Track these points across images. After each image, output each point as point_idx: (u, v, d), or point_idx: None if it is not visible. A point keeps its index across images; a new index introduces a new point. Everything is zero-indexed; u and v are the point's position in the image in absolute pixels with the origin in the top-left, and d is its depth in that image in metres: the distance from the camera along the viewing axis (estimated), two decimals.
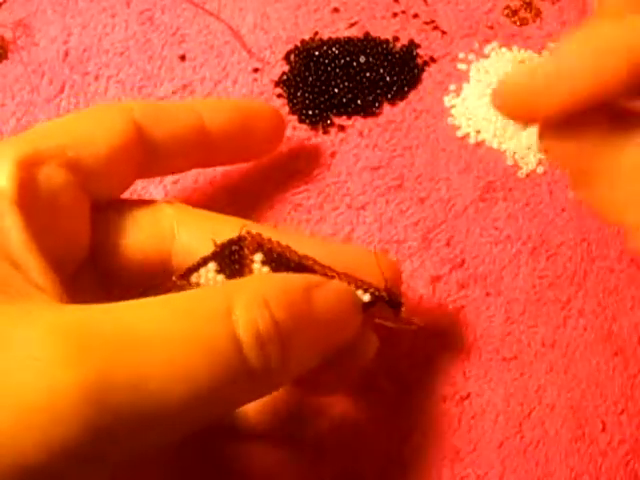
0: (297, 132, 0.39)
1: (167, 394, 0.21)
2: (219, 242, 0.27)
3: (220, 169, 0.38)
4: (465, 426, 0.32)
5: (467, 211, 0.37)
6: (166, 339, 0.21)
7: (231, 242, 0.27)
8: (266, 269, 0.27)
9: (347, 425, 0.32)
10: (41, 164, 0.26)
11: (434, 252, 0.36)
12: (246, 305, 0.23)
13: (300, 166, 0.38)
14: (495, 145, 0.39)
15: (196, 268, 0.27)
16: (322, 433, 0.32)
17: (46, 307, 0.22)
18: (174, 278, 0.27)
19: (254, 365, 0.22)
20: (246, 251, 0.27)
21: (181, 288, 0.27)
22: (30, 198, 0.25)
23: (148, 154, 0.30)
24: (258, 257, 0.27)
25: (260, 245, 0.27)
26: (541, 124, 0.24)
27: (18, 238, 0.24)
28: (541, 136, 0.24)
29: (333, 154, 0.39)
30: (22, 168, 0.25)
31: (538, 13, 0.43)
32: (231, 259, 0.27)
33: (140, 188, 0.38)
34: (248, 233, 0.27)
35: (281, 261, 0.27)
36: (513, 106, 0.23)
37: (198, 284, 0.27)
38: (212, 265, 0.27)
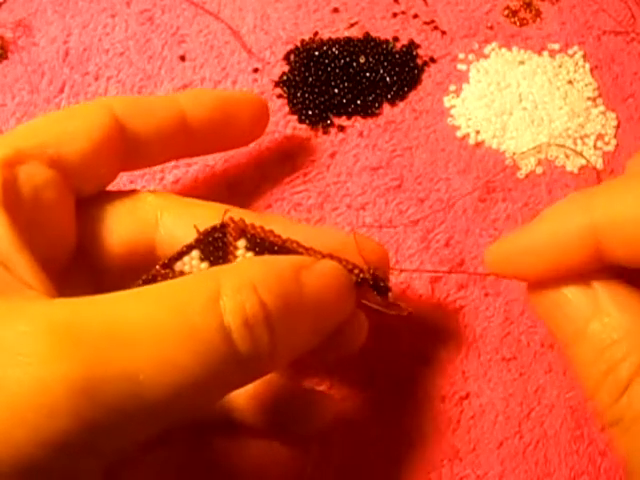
0: (297, 132, 0.39)
1: (156, 385, 0.21)
2: (202, 229, 0.27)
3: (220, 168, 0.38)
4: (464, 426, 0.32)
5: (466, 211, 0.37)
6: (154, 329, 0.21)
7: (214, 229, 0.27)
8: (250, 254, 0.26)
9: (347, 425, 0.32)
10: (22, 163, 0.26)
11: (433, 252, 0.36)
12: (233, 289, 0.23)
13: (300, 166, 0.38)
14: (494, 145, 0.39)
15: (180, 256, 0.27)
16: (322, 433, 0.32)
17: (33, 302, 0.22)
18: (157, 267, 0.26)
19: (243, 350, 0.22)
20: (229, 237, 0.26)
21: (166, 277, 0.26)
22: (14, 197, 0.25)
23: (130, 147, 0.30)
24: (242, 243, 0.26)
25: (243, 231, 0.27)
26: (528, 284, 0.27)
27: (4, 237, 0.24)
28: (529, 290, 0.27)
29: (333, 154, 0.39)
30: (4, 169, 0.26)
31: (538, 13, 0.43)
32: (215, 246, 0.26)
33: (140, 187, 0.38)
34: (231, 219, 0.27)
35: (265, 246, 0.26)
36: (503, 268, 0.26)
37: (182, 272, 0.27)
38: (196, 253, 0.27)
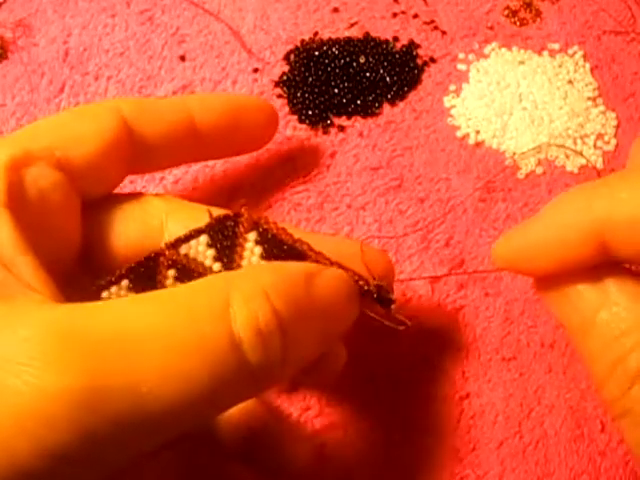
0: (297, 132, 0.39)
1: (161, 397, 0.20)
2: (215, 215, 0.26)
3: (220, 168, 0.38)
4: (464, 426, 0.32)
5: (466, 211, 0.37)
6: (160, 338, 0.21)
7: (227, 217, 0.26)
8: (258, 249, 0.26)
9: (346, 425, 0.32)
10: (29, 165, 0.26)
11: (433, 252, 0.36)
12: (245, 297, 0.22)
13: (300, 166, 0.38)
14: (494, 145, 0.39)
15: (187, 239, 0.26)
16: (322, 434, 0.32)
17: (36, 306, 0.22)
18: (163, 245, 0.26)
19: (254, 360, 0.22)
20: (241, 228, 0.26)
21: (170, 257, 0.26)
22: (20, 199, 0.25)
23: (138, 150, 0.30)
24: (252, 236, 0.26)
25: (256, 224, 0.26)
26: (534, 279, 0.27)
27: (9, 240, 0.24)
28: (536, 287, 0.27)
29: (333, 154, 0.39)
30: (10, 170, 0.25)
31: (538, 13, 0.43)
32: (224, 234, 0.26)
33: (140, 187, 0.38)
34: (245, 210, 0.26)
35: (275, 242, 0.26)
36: (510, 263, 0.26)
37: (187, 255, 0.26)
38: (204, 238, 0.26)
